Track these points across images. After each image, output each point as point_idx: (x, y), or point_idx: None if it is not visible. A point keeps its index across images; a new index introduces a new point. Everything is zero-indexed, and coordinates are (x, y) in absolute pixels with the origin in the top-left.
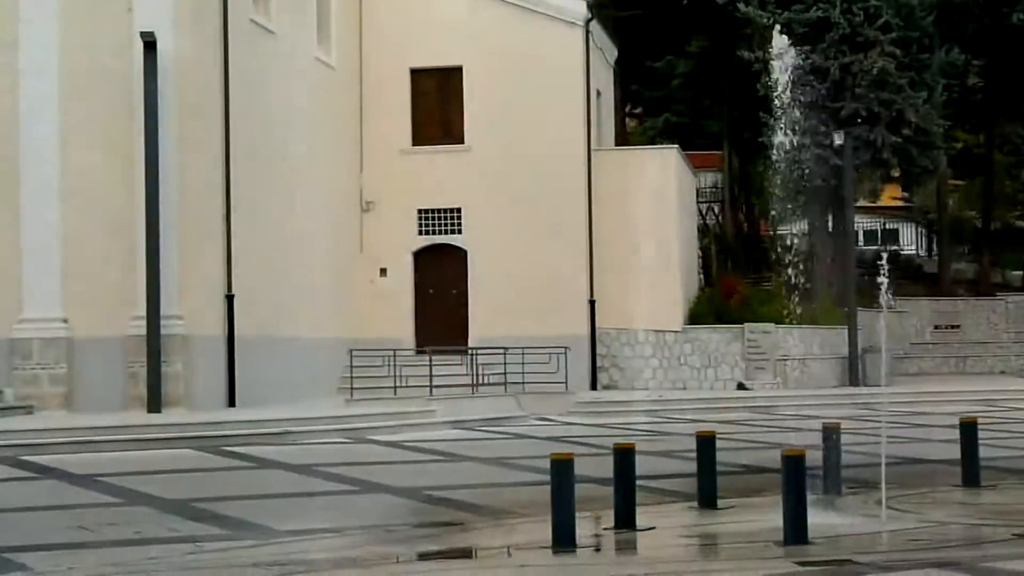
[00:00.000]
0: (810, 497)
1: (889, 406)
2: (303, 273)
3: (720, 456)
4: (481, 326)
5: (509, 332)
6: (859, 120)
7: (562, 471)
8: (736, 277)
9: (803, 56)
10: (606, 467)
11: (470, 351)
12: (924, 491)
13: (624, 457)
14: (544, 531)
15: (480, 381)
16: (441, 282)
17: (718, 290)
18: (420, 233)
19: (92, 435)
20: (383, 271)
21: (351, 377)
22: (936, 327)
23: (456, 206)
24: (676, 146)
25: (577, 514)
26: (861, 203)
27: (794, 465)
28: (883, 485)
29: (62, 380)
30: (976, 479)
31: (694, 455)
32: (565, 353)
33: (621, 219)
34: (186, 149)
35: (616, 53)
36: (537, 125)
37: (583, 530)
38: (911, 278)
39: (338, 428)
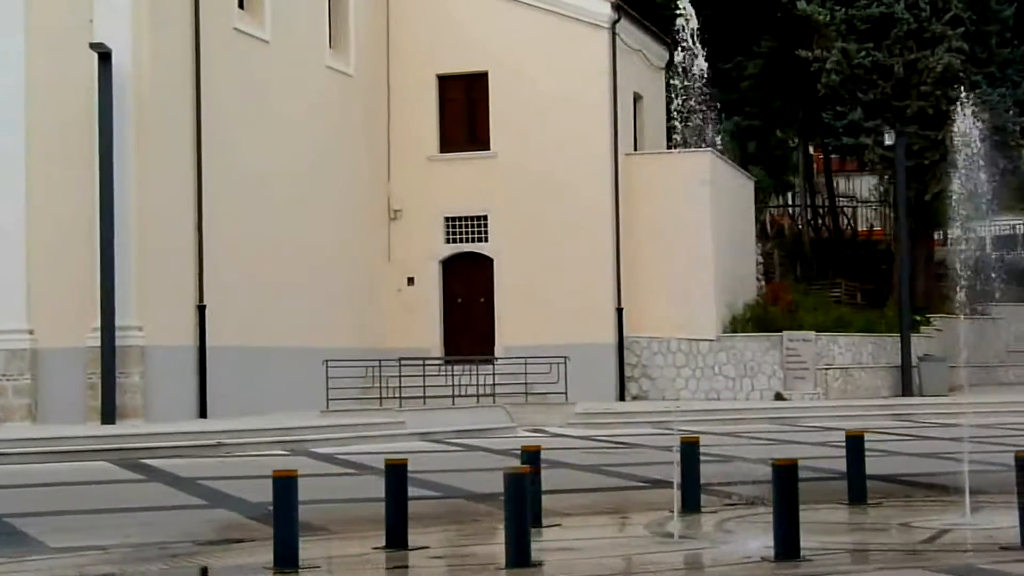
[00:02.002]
0: (659, 515)
1: (930, 416)
2: (310, 283)
3: (663, 470)
4: (508, 335)
5: (536, 341)
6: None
7: (283, 490)
8: (786, 284)
9: (864, 53)
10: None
11: (449, 360)
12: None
13: (395, 474)
14: (319, 550)
15: (483, 392)
16: (469, 291)
17: (765, 297)
18: (447, 241)
19: (20, 447)
20: (410, 280)
21: (327, 388)
22: None
23: (482, 213)
24: (711, 149)
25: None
26: None
27: (514, 485)
28: (676, 505)
29: (26, 391)
30: (861, 496)
31: (628, 469)
32: (564, 362)
33: (654, 224)
34: (147, 161)
35: (667, 55)
36: (562, 129)
37: (354, 549)
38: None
39: (283, 440)
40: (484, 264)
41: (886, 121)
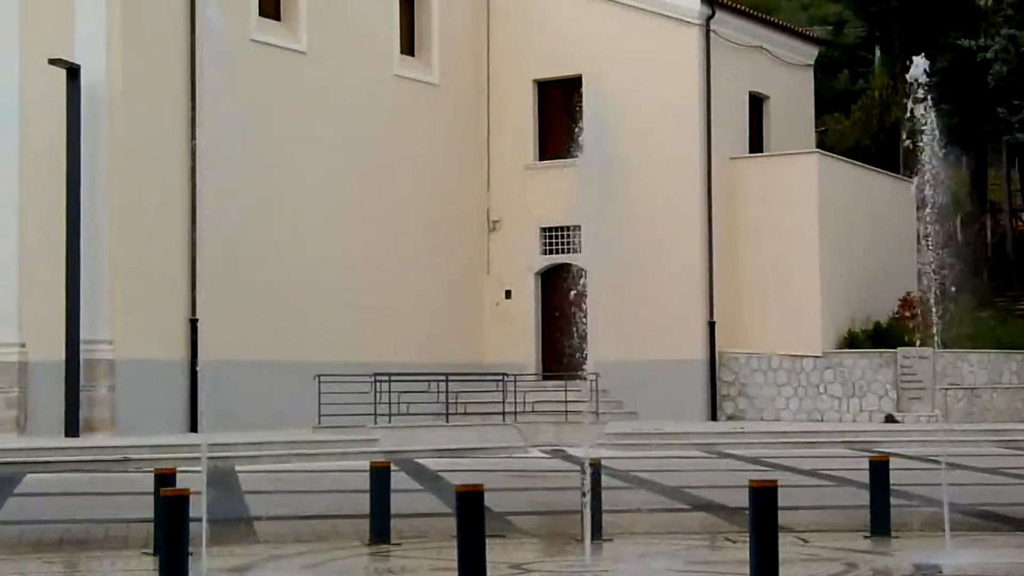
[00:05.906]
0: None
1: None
2: (373, 298)
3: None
4: (599, 350)
5: (625, 356)
6: None
7: None
8: (916, 297)
9: None
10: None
11: (434, 378)
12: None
13: None
14: None
15: (513, 409)
16: (564, 303)
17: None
18: (544, 252)
19: None
20: (508, 293)
21: (319, 404)
22: None
23: (576, 223)
24: (818, 151)
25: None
26: None
27: None
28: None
29: (15, 403)
30: (385, 535)
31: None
32: (596, 379)
33: (758, 232)
34: (124, 177)
35: (814, 52)
36: (655, 133)
37: None
38: None
39: (210, 456)
40: (578, 276)
41: None
